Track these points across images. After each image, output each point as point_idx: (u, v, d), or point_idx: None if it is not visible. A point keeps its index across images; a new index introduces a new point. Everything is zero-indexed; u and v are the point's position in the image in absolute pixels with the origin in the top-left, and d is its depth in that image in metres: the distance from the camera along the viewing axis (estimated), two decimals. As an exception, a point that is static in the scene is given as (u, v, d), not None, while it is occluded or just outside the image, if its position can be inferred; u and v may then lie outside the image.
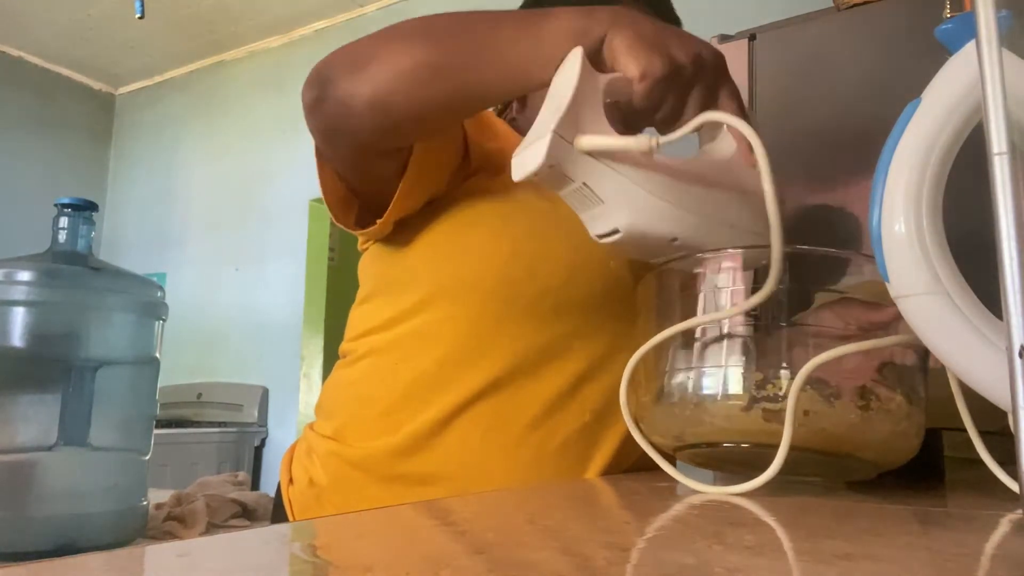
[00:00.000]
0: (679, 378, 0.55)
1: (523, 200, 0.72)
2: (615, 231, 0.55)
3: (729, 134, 0.60)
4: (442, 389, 0.69)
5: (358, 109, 0.62)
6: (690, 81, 0.56)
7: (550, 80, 0.58)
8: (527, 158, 0.54)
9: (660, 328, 0.55)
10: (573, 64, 0.55)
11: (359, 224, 0.74)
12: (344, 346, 0.81)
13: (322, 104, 0.63)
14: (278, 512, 0.79)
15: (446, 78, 0.60)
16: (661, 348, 0.56)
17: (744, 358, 0.54)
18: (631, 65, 0.55)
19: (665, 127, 0.58)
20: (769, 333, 0.54)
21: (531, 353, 0.69)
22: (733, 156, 0.59)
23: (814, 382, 0.50)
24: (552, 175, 0.54)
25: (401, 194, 0.69)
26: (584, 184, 0.54)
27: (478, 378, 0.68)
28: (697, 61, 0.56)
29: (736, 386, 0.53)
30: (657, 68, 0.55)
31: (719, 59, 0.58)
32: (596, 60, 0.57)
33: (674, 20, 0.85)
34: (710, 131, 0.61)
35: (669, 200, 0.55)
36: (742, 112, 0.58)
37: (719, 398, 0.53)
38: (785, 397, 0.48)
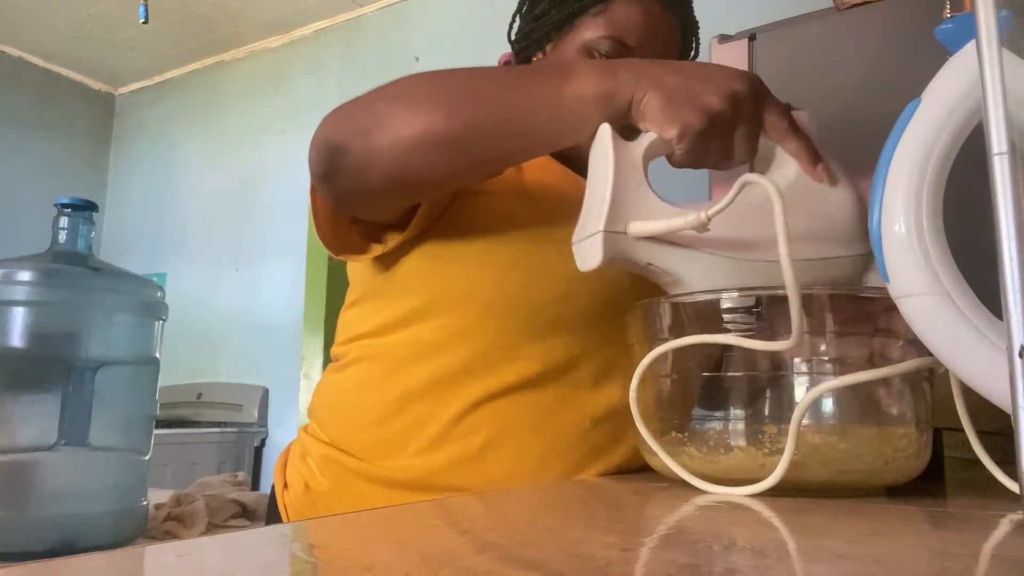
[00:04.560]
0: (704, 424, 0.55)
1: (520, 210, 0.71)
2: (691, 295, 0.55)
3: (786, 155, 0.58)
4: (438, 400, 0.68)
5: (374, 183, 0.60)
6: (731, 122, 0.55)
7: (576, 143, 0.57)
8: (587, 253, 0.54)
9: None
10: (605, 147, 0.54)
11: (360, 236, 0.73)
12: (334, 350, 0.80)
13: (335, 177, 0.61)
14: (272, 517, 0.78)
15: (467, 149, 0.58)
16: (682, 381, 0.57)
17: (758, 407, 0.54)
18: (666, 128, 0.54)
19: (719, 167, 0.57)
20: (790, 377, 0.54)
21: (530, 365, 0.68)
22: (798, 176, 0.57)
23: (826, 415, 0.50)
24: (616, 264, 0.54)
25: (412, 229, 0.69)
26: (649, 264, 0.54)
27: (476, 389, 0.68)
28: (733, 100, 0.54)
29: (750, 440, 0.52)
30: (694, 124, 0.53)
31: (755, 84, 0.56)
32: (623, 122, 0.56)
33: (693, 23, 0.84)
34: (765, 158, 0.59)
35: (739, 255, 0.54)
36: (793, 126, 0.56)
37: (736, 449, 0.53)
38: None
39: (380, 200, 0.64)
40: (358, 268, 0.79)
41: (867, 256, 0.57)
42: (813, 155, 0.57)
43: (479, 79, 0.59)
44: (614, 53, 0.75)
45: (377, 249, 0.71)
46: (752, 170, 0.60)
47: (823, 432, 0.51)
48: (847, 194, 0.58)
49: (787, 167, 0.58)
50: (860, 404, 0.53)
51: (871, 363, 0.54)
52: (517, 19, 0.85)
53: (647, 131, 0.56)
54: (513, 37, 0.86)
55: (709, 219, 0.50)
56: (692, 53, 0.84)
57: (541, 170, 0.76)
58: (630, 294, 0.68)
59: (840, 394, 0.51)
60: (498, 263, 0.69)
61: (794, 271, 0.48)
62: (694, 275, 0.54)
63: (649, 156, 0.55)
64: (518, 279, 0.68)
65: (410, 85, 0.60)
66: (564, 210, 0.63)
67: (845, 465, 0.50)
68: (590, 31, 0.76)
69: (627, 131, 0.57)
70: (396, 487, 0.68)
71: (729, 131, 0.55)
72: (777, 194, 0.49)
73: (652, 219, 0.52)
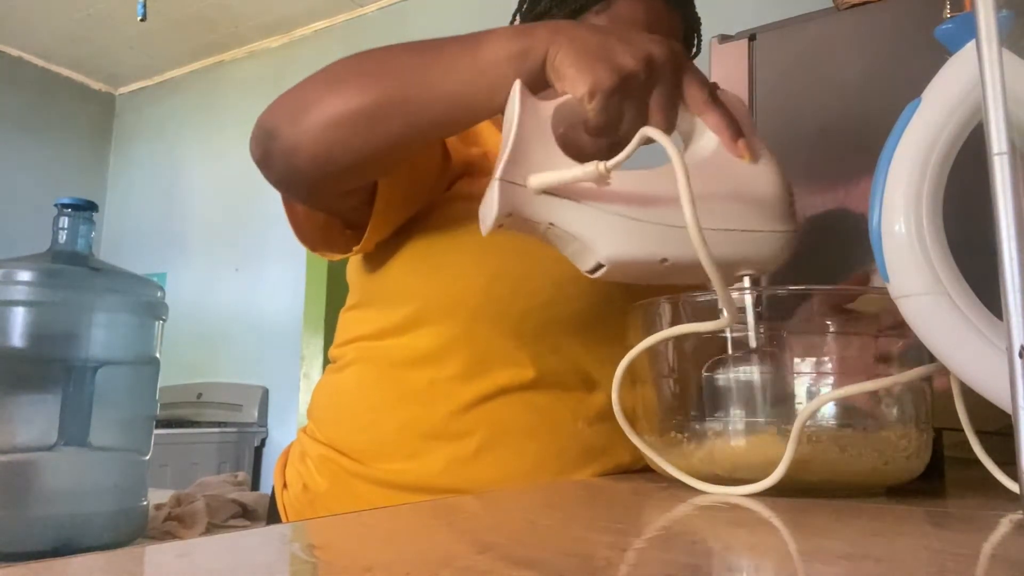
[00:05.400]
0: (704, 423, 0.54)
1: None
2: (599, 265, 0.52)
3: (707, 128, 0.55)
4: (432, 402, 0.69)
5: (302, 163, 0.60)
6: (645, 85, 0.52)
7: (499, 108, 0.55)
8: (485, 210, 0.51)
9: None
10: (512, 101, 0.52)
11: (345, 238, 0.73)
12: (333, 351, 0.80)
13: (269, 161, 0.62)
14: (273, 518, 0.78)
15: (384, 123, 0.57)
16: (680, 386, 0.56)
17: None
18: (577, 83, 0.51)
19: (627, 137, 0.53)
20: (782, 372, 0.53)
21: (522, 371, 0.68)
22: (717, 150, 0.55)
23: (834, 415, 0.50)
24: (515, 222, 0.51)
25: (373, 227, 0.68)
26: (551, 224, 0.51)
27: (469, 392, 0.68)
28: (648, 62, 0.52)
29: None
30: (604, 80, 0.50)
31: (675, 52, 0.54)
32: (542, 83, 0.54)
33: (696, 20, 0.83)
34: (687, 130, 0.57)
35: (647, 219, 0.51)
36: (715, 100, 0.54)
37: (735, 449, 0.52)
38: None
39: (316, 184, 0.63)
40: (354, 272, 0.79)
41: (789, 234, 0.55)
42: (734, 130, 0.54)
43: (397, 53, 0.59)
44: None
45: (354, 247, 0.71)
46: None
47: (823, 433, 0.51)
48: (770, 172, 0.55)
49: (707, 140, 0.55)
50: (860, 405, 0.53)
51: (874, 364, 0.54)
52: (517, 18, 0.85)
53: (562, 89, 0.53)
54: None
55: (608, 171, 0.48)
56: (695, 50, 0.84)
57: None
58: (620, 295, 0.67)
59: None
60: (484, 270, 0.68)
61: (702, 234, 0.46)
62: (599, 237, 0.51)
63: (560, 115, 0.52)
64: (504, 286, 0.68)
65: (335, 66, 0.60)
66: None
67: (845, 466, 0.50)
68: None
69: (545, 92, 0.54)
70: (394, 488, 0.69)
71: (643, 95, 0.52)
72: (673, 148, 0.47)
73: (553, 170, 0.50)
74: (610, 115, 0.52)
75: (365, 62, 0.59)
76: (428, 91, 0.56)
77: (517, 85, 0.52)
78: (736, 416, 0.53)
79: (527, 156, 0.50)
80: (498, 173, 0.50)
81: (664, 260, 0.52)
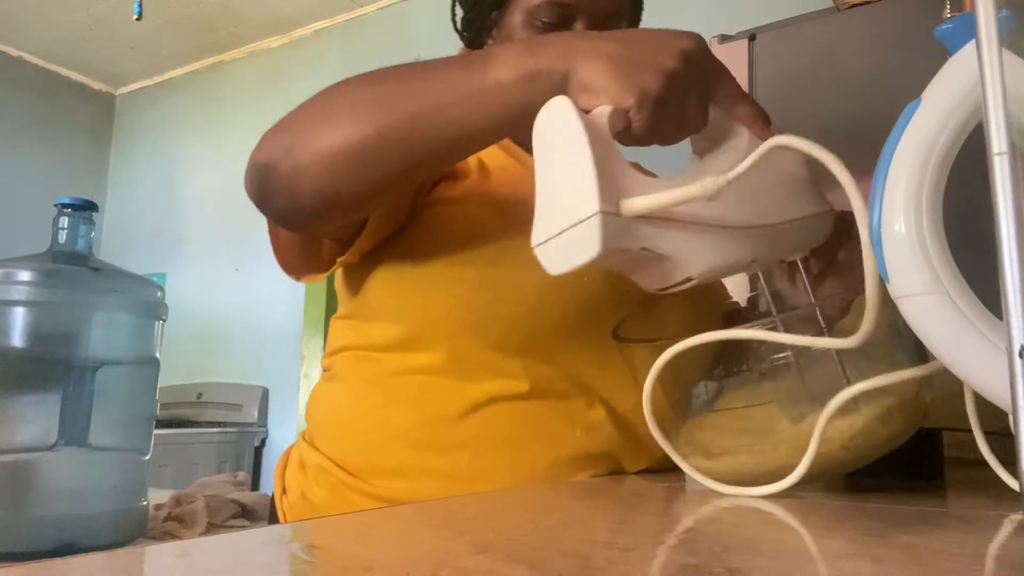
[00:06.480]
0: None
1: (485, 218, 0.68)
2: (687, 279, 0.49)
3: (731, 119, 0.54)
4: (424, 414, 0.67)
5: (305, 202, 0.57)
6: (690, 84, 0.50)
7: (506, 135, 0.53)
8: (569, 250, 0.45)
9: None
10: (567, 120, 0.46)
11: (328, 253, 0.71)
12: (325, 360, 0.79)
13: (267, 199, 0.59)
14: (273, 521, 0.77)
15: (385, 158, 0.55)
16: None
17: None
18: (622, 96, 0.48)
19: (669, 142, 0.52)
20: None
21: (513, 383, 0.66)
22: (751, 142, 0.52)
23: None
24: (610, 255, 0.45)
25: (360, 242, 0.67)
26: (644, 249, 0.46)
27: (461, 402, 0.66)
28: (686, 59, 0.49)
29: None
30: (652, 87, 0.48)
31: (700, 42, 0.51)
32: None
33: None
34: (717, 121, 0.54)
35: (735, 223, 0.48)
36: (740, 90, 0.53)
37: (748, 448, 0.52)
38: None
39: (319, 218, 0.61)
40: (339, 283, 0.78)
41: (829, 213, 0.56)
42: (764, 118, 0.53)
43: (393, 80, 0.56)
44: (558, 19, 0.72)
45: (338, 259, 0.70)
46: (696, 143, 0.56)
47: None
48: (798, 157, 0.54)
49: (741, 134, 0.53)
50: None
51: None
52: (458, 8, 0.82)
53: (595, 106, 0.49)
54: (459, 26, 0.82)
55: (728, 183, 0.44)
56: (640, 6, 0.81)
57: (507, 173, 0.74)
58: (608, 298, 0.66)
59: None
60: (465, 281, 0.66)
61: (794, 234, 0.46)
62: (693, 257, 0.48)
63: (611, 130, 0.47)
64: (487, 297, 0.66)
65: (329, 95, 0.58)
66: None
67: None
68: (526, 1, 0.73)
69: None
70: (391, 504, 0.67)
71: (685, 95, 0.50)
72: (837, 162, 0.44)
73: (649, 193, 0.45)
74: (655, 125, 0.49)
75: (362, 89, 0.56)
76: (432, 121, 0.53)
77: (567, 103, 0.46)
78: (745, 416, 0.53)
79: (612, 179, 0.45)
80: (597, 205, 0.43)
81: (754, 261, 0.51)
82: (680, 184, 0.46)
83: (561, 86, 0.50)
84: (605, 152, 0.45)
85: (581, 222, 0.44)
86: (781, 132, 0.52)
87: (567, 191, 0.45)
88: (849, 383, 0.48)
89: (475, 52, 0.55)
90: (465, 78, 0.53)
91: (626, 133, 0.49)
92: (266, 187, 0.58)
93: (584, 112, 0.47)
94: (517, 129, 0.52)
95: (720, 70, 0.53)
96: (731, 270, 0.51)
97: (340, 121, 0.55)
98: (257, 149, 0.59)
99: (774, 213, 0.50)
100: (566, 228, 0.45)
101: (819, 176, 0.53)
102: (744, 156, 0.49)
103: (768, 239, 0.49)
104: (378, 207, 0.64)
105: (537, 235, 0.47)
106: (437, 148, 0.55)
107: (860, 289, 0.47)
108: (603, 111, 0.48)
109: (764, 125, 0.53)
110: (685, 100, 0.50)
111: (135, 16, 2.07)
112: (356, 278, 0.74)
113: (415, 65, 0.56)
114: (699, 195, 0.45)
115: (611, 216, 0.44)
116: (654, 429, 0.56)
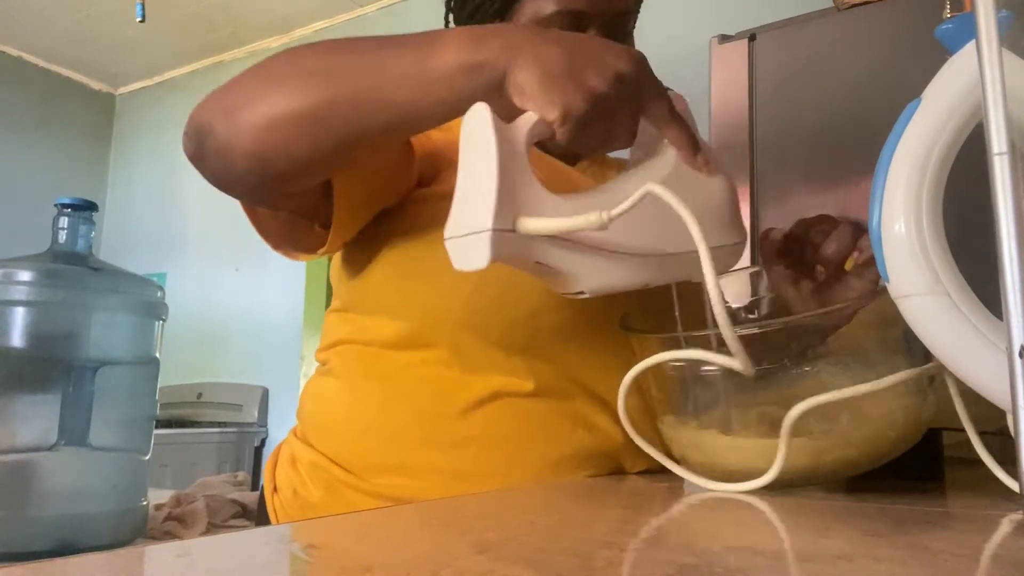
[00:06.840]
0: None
1: None
2: (580, 292, 0.53)
3: (664, 139, 0.55)
4: (425, 410, 0.67)
5: (237, 164, 0.57)
6: (615, 107, 0.50)
7: (446, 120, 0.53)
8: (468, 253, 0.48)
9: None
10: (484, 130, 0.48)
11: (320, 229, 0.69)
12: (319, 354, 0.78)
13: (202, 159, 0.58)
14: (262, 519, 0.76)
15: (323, 128, 0.54)
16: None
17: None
18: (547, 108, 0.49)
19: (594, 153, 0.53)
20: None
21: (518, 381, 0.66)
22: (676, 164, 0.54)
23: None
24: (500, 263, 0.49)
25: (336, 228, 0.65)
26: (538, 263, 0.50)
27: (463, 398, 0.66)
28: (619, 83, 0.50)
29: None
30: (578, 107, 0.48)
31: (641, 65, 0.52)
32: (495, 96, 0.51)
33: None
34: (646, 141, 0.56)
35: (629, 250, 0.51)
36: (673, 112, 0.54)
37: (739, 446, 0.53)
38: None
39: (253, 186, 0.60)
40: (335, 275, 0.77)
41: (741, 246, 0.57)
42: (693, 143, 0.54)
43: (342, 51, 0.55)
44: (572, 28, 0.71)
45: (320, 253, 0.69)
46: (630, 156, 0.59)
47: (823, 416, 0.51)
48: (723, 183, 0.56)
49: (667, 154, 0.55)
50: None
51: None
52: (451, 16, 0.81)
53: (524, 110, 0.50)
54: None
55: (611, 220, 0.47)
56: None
57: None
58: (609, 300, 0.66)
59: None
60: (467, 280, 0.65)
61: (688, 265, 0.48)
62: (584, 273, 0.52)
63: (530, 140, 0.50)
64: (488, 296, 0.65)
65: (275, 61, 0.57)
66: None
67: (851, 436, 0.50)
68: (533, 4, 0.72)
69: (498, 105, 0.51)
70: (392, 502, 0.67)
71: (611, 116, 0.51)
72: (688, 213, 0.47)
73: (544, 215, 0.48)
74: (579, 140, 0.50)
75: (308, 59, 0.56)
76: (372, 97, 0.53)
77: (486, 112, 0.48)
78: (739, 412, 0.54)
79: (512, 194, 0.48)
80: (490, 222, 0.46)
81: (646, 284, 0.54)
82: (582, 205, 0.49)
83: (500, 82, 0.51)
84: (514, 168, 0.48)
85: (476, 233, 0.47)
86: (709, 156, 0.55)
87: (474, 197, 0.48)
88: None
89: (427, 33, 0.54)
90: (412, 59, 0.52)
91: (551, 141, 0.51)
92: (202, 148, 0.58)
93: (505, 122, 0.49)
94: (462, 115, 0.52)
95: (653, 91, 0.53)
96: (624, 289, 0.54)
97: (282, 88, 0.55)
98: (198, 108, 0.58)
99: (670, 244, 0.52)
100: (468, 233, 0.48)
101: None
102: (671, 177, 0.53)
103: (663, 266, 0.52)
104: (307, 184, 0.62)
105: (449, 229, 0.50)
106: (376, 127, 0.55)
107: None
108: (529, 118, 0.50)
109: (689, 150, 0.54)
110: (612, 120, 0.51)
111: (138, 19, 2.07)
112: (353, 270, 0.73)
113: (361, 40, 0.56)
114: (586, 227, 0.47)
115: (503, 233, 0.47)
116: (635, 436, 0.57)
